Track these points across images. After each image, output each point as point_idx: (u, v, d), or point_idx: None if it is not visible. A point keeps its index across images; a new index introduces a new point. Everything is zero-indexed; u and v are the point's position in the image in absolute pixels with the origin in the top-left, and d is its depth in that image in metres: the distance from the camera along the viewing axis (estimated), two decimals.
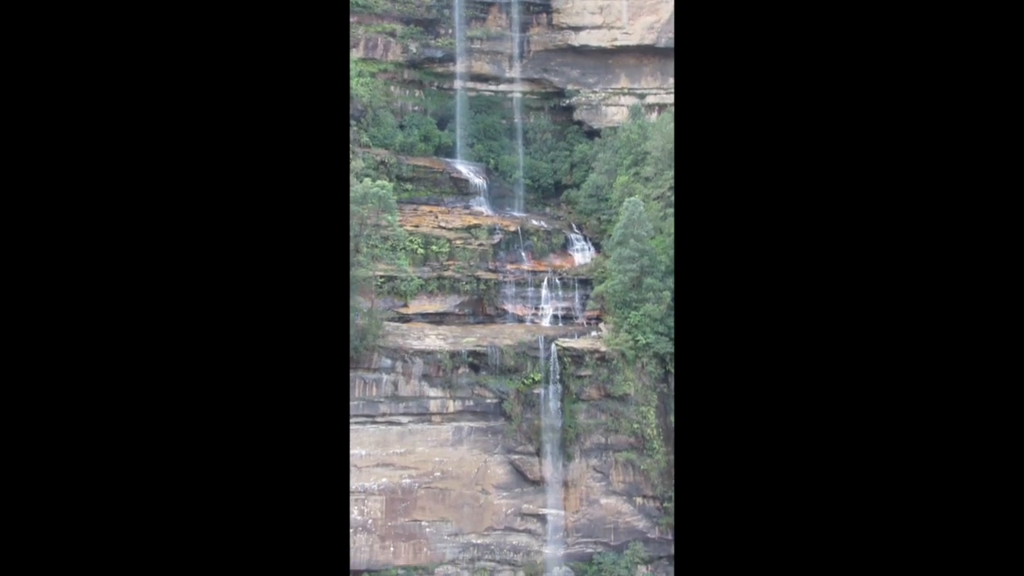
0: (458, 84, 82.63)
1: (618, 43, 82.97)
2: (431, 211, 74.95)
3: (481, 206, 77.64)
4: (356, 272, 61.98)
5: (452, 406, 65.74)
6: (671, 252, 67.36)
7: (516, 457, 66.65)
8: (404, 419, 64.82)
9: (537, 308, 71.97)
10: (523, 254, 73.80)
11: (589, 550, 67.62)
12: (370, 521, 63.50)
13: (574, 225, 77.82)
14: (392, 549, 64.40)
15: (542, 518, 67.19)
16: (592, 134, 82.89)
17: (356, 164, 68.47)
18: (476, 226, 73.37)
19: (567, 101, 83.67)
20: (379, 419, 64.00)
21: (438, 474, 65.38)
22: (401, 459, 64.60)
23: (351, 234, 60.17)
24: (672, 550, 66.68)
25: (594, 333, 69.68)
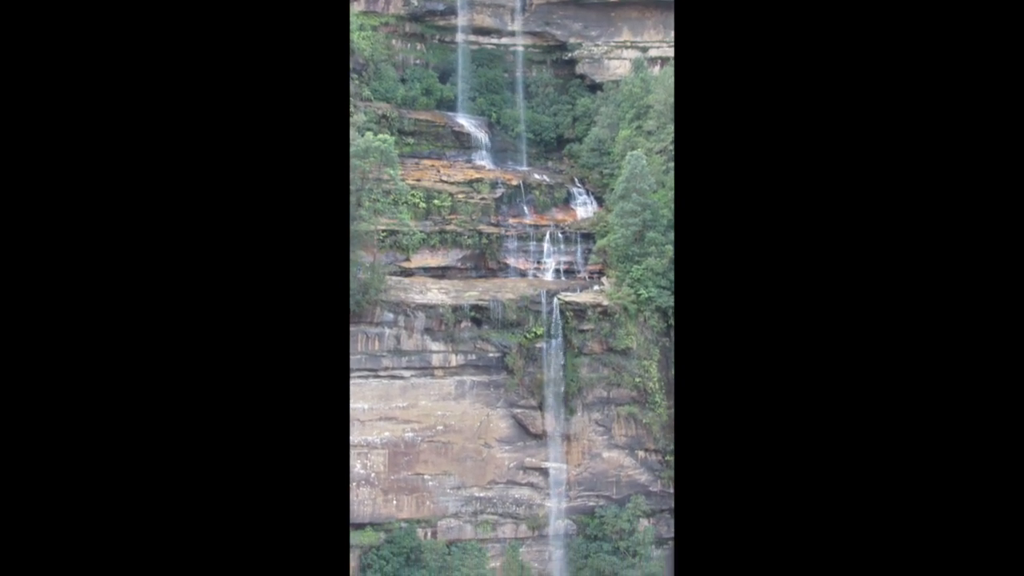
0: (460, 37, 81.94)
1: None
2: (433, 165, 74.65)
3: (483, 160, 77.27)
4: (358, 226, 61.85)
5: (454, 360, 65.81)
6: (673, 206, 67.15)
7: (518, 411, 66.82)
8: (406, 373, 64.93)
9: (539, 262, 71.89)
10: (525, 208, 73.58)
11: (591, 503, 67.91)
12: (373, 475, 63.75)
13: (576, 179, 77.43)
14: (395, 502, 64.70)
15: (544, 472, 67.43)
16: (594, 88, 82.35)
17: (357, 118, 68.15)
18: (478, 180, 73.08)
19: (569, 55, 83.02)
20: (381, 373, 64.12)
21: (440, 428, 65.57)
22: (403, 413, 64.78)
23: (352, 188, 60.02)
24: (674, 503, 66.96)
25: (596, 287, 69.61)
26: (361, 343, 63.36)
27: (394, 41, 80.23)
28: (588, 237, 72.51)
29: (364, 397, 63.27)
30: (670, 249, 65.86)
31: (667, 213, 67.10)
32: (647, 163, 68.68)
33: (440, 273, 70.12)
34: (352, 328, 61.79)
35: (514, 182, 74.19)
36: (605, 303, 67.19)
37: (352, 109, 68.29)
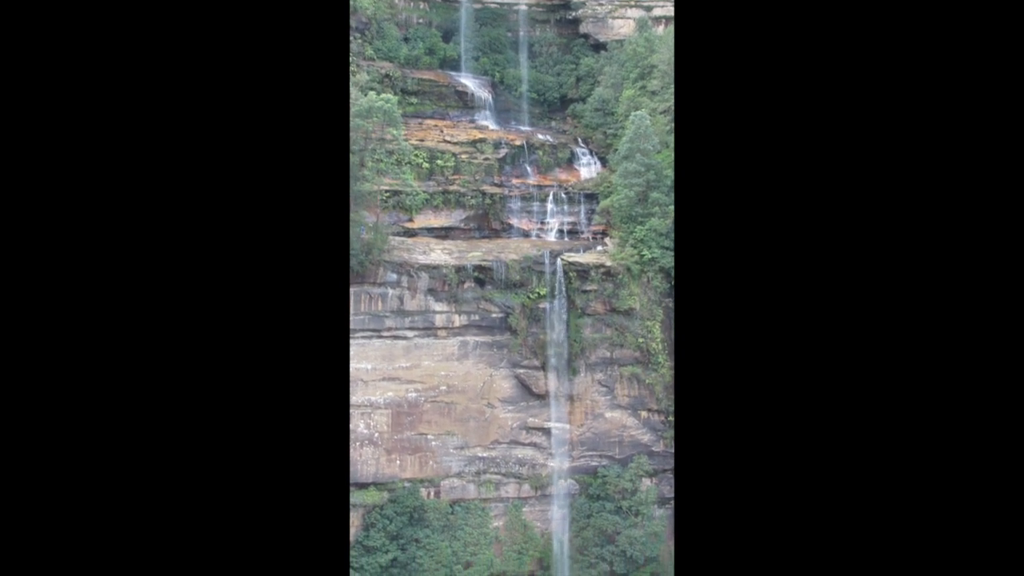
0: None
1: None
2: (436, 125, 74.45)
3: (486, 120, 77.07)
4: (361, 186, 61.75)
5: (457, 320, 65.89)
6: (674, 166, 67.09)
7: (521, 371, 66.95)
8: (410, 333, 65.01)
9: (543, 222, 71.81)
10: (528, 168, 73.40)
11: (594, 463, 68.18)
12: (376, 435, 63.98)
13: (580, 139, 77.22)
14: (398, 462, 64.97)
15: (547, 432, 67.65)
16: (598, 47, 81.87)
17: (360, 77, 67.93)
18: (481, 140, 72.86)
19: (573, 14, 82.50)
20: (384, 333, 64.20)
21: (444, 388, 65.74)
22: (407, 373, 64.92)
23: (355, 148, 59.86)
24: (674, 465, 67.06)
25: (599, 247, 69.57)
26: (364, 303, 63.39)
27: (397, 0, 79.78)
28: (591, 197, 72.39)
29: (367, 357, 63.38)
30: (673, 210, 65.70)
31: (671, 174, 66.81)
32: (651, 123, 68.40)
33: (443, 233, 70.09)
34: (355, 288, 61.86)
35: (517, 142, 73.98)
36: (608, 264, 67.13)
37: (355, 69, 68.04)
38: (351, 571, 60.73)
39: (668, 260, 66.29)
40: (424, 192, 69.04)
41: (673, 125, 68.21)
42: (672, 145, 67.55)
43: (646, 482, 67.90)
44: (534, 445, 67.69)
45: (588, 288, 67.06)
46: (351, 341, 59.86)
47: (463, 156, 71.47)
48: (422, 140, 71.24)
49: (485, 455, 66.90)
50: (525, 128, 78.15)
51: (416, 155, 69.22)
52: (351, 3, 70.21)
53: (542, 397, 67.37)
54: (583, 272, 66.99)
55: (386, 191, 66.98)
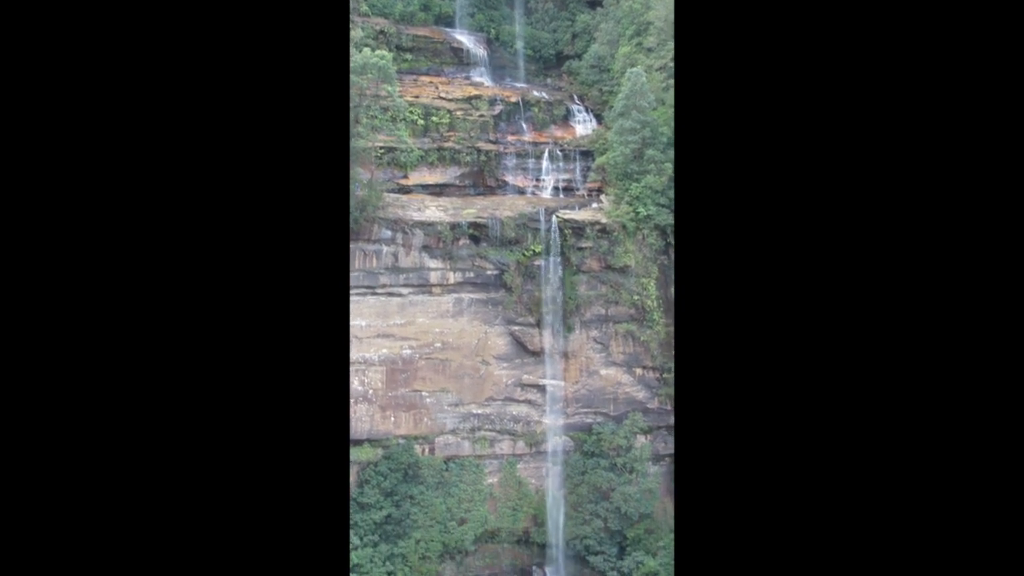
0: None
1: None
2: (431, 81, 74.04)
3: (482, 76, 76.61)
4: (356, 143, 61.47)
5: (452, 277, 65.82)
6: (673, 123, 66.76)
7: (516, 328, 66.98)
8: (404, 290, 64.95)
9: (538, 179, 71.58)
10: (524, 125, 73.09)
11: (588, 420, 68.39)
12: (371, 391, 64.05)
13: (575, 96, 76.91)
14: (393, 419, 65.11)
15: (542, 389, 67.79)
16: (594, 3, 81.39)
17: (355, 34, 67.45)
18: (477, 97, 72.50)
19: None
20: (379, 290, 64.13)
21: (438, 345, 65.77)
22: (401, 330, 64.92)
23: (350, 105, 59.53)
24: (671, 420, 67.45)
25: (595, 205, 69.45)
26: (359, 260, 63.27)
27: None
28: (587, 155, 72.16)
29: (362, 314, 63.34)
30: (669, 167, 65.62)
31: (666, 131, 66.72)
32: (647, 80, 68.09)
33: (438, 190, 69.90)
34: (350, 245, 61.68)
35: (513, 99, 73.64)
36: (604, 221, 67.05)
37: (350, 25, 67.55)
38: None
39: (663, 217, 66.21)
40: (419, 149, 68.74)
41: (668, 82, 68.08)
42: (667, 102, 67.40)
43: (640, 439, 68.14)
44: (529, 402, 67.83)
45: (583, 245, 67.00)
46: None
47: (458, 113, 71.13)
48: (417, 97, 70.88)
49: (480, 412, 67.04)
50: (520, 85, 77.72)
51: (411, 112, 68.88)
52: None
53: (537, 354, 67.44)
54: (578, 229, 66.90)
55: (381, 148, 66.73)
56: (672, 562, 65.35)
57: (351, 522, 61.85)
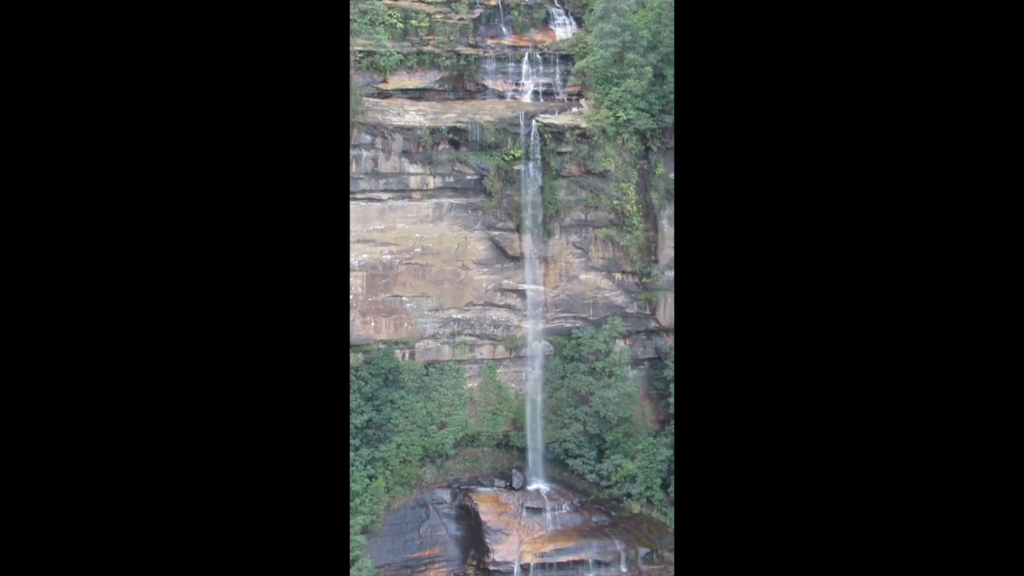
0: None
1: None
2: None
3: None
4: None
5: (432, 182, 65.62)
6: (653, 27, 66.34)
7: (496, 233, 66.99)
8: (384, 195, 64.78)
9: (518, 84, 70.95)
10: (504, 29, 72.33)
11: (568, 325, 68.76)
12: (351, 297, 64.12)
13: None
14: (373, 324, 65.31)
15: (522, 293, 68.03)
16: None
17: None
18: (456, 0, 71.70)
19: None
20: (359, 196, 63.88)
21: (418, 250, 65.79)
22: (381, 235, 64.87)
23: None
24: (650, 325, 67.88)
25: (575, 109, 69.04)
26: None
27: None
28: (567, 58, 71.52)
29: None
30: (649, 71, 65.29)
31: (646, 34, 66.24)
32: None
33: (418, 95, 69.28)
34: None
35: (492, 2, 72.68)
36: (583, 125, 66.70)
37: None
38: None
39: (643, 122, 65.96)
40: (398, 53, 68.05)
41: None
42: (648, 5, 66.83)
43: (619, 343, 68.61)
44: (508, 307, 68.10)
45: (563, 150, 66.72)
46: None
47: (437, 16, 70.26)
48: (395, 0, 70.09)
49: (460, 317, 67.32)
50: None
51: (390, 15, 68.06)
52: None
53: (516, 259, 67.56)
54: (558, 134, 66.59)
55: (360, 51, 66.03)
56: (650, 464, 66.31)
57: None
